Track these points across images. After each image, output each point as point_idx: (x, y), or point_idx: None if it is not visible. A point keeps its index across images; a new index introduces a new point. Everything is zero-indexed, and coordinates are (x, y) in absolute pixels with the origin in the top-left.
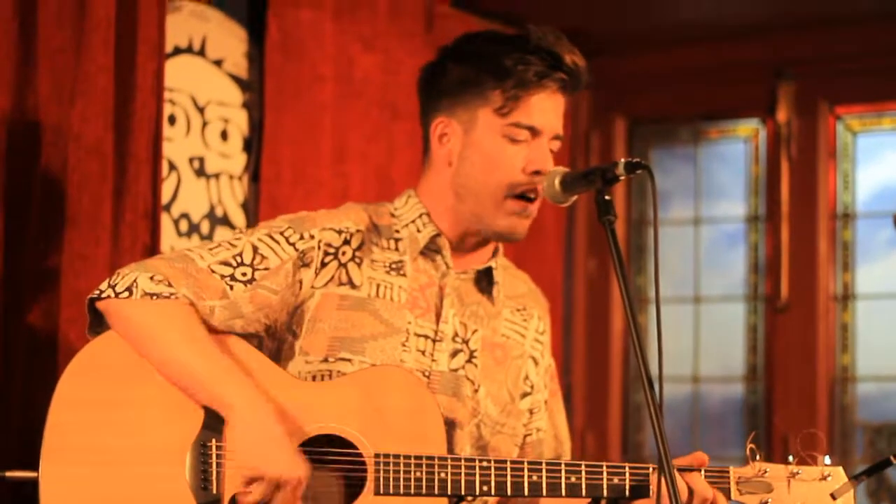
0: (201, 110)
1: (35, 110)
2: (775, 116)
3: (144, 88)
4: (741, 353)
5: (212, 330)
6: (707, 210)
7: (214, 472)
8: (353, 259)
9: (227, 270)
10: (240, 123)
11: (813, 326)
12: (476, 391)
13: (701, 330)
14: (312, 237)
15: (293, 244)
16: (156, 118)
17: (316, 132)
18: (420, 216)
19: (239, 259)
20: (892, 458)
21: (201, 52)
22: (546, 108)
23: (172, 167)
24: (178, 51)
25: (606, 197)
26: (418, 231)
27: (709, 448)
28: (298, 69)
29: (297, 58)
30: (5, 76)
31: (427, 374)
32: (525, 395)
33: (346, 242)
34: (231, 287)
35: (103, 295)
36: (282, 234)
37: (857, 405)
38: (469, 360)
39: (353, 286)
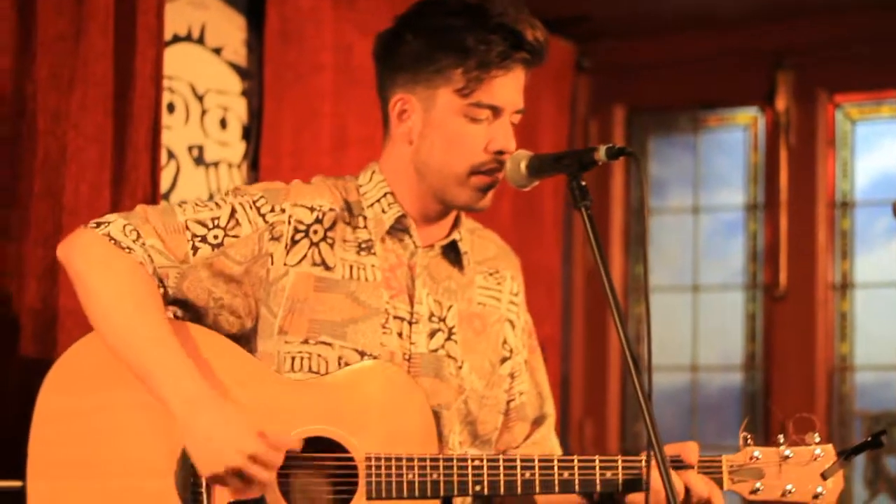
0: (200, 98)
1: (34, 98)
2: (774, 105)
3: (143, 76)
4: (740, 341)
5: (165, 295)
6: (706, 198)
7: (205, 485)
8: (324, 239)
9: (201, 231)
10: (239, 111)
11: (811, 315)
12: (460, 368)
13: (699, 319)
14: (283, 211)
15: (263, 215)
16: (155, 106)
17: (315, 120)
18: (385, 195)
19: (216, 221)
20: (881, 437)
21: (200, 40)
22: (508, 86)
23: (171, 155)
24: (176, 39)
25: (583, 182)
26: (383, 212)
27: (707, 437)
28: (298, 57)
29: (297, 45)
30: (4, 64)
31: (407, 356)
32: (505, 359)
33: (318, 221)
34: (195, 251)
35: (88, 225)
36: (254, 203)
37: (855, 394)
38: (448, 338)
39: (327, 268)
